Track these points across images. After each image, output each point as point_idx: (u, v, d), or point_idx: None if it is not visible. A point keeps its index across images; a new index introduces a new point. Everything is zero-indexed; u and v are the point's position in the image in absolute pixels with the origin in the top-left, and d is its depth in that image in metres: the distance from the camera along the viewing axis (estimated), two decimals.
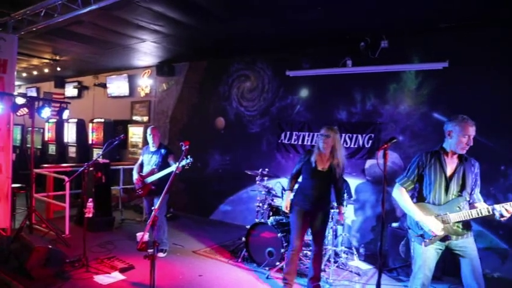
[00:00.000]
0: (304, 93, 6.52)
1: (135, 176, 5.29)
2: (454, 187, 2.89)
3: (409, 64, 5.44)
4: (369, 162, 5.81)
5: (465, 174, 2.89)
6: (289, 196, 4.05)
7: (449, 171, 2.92)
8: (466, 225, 2.89)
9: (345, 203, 4.92)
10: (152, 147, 5.26)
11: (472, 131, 2.82)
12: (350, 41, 5.58)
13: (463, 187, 2.89)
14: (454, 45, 5.13)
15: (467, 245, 2.86)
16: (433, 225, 2.80)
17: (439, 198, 2.91)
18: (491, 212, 2.71)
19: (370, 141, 5.76)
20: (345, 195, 4.97)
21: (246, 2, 4.57)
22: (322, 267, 4.70)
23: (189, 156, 4.48)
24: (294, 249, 3.95)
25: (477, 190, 2.96)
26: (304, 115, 6.49)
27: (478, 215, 2.76)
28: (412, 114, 5.48)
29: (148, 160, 5.24)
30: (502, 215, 2.66)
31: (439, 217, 2.85)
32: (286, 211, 4.07)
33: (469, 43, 5.03)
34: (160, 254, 5.11)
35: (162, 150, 5.18)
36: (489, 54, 4.90)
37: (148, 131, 5.26)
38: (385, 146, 2.90)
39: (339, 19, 5.01)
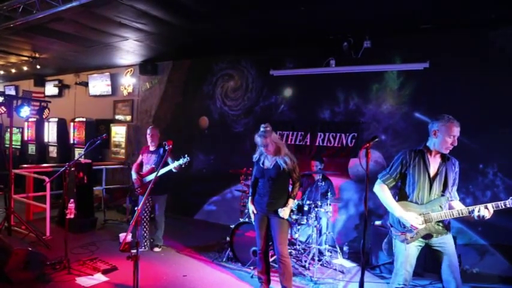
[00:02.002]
0: (288, 92, 6.54)
1: (134, 175, 5.33)
2: (437, 187, 2.94)
3: (391, 64, 5.53)
4: (353, 161, 5.87)
5: (447, 174, 2.94)
6: (251, 202, 4.06)
7: (432, 171, 2.95)
8: (447, 223, 2.96)
9: (328, 202, 4.97)
10: (152, 147, 5.33)
11: (456, 131, 2.85)
12: (333, 41, 5.63)
13: (445, 187, 2.94)
14: (434, 46, 5.24)
15: (446, 241, 2.92)
16: (414, 220, 2.85)
17: (422, 197, 2.94)
18: (471, 213, 2.78)
19: (354, 141, 5.83)
20: (329, 194, 5.03)
21: (229, 1, 4.56)
22: (306, 265, 4.74)
23: (186, 155, 4.79)
24: (259, 249, 3.99)
25: (454, 188, 3.02)
26: (288, 114, 6.52)
27: (459, 215, 2.82)
28: (394, 113, 5.57)
29: (148, 160, 5.31)
30: (483, 216, 2.71)
31: (421, 215, 2.89)
32: (253, 217, 4.05)
33: (449, 44, 5.14)
34: (156, 249, 5.34)
35: (161, 150, 5.24)
36: (468, 55, 5.02)
37: (148, 131, 5.35)
38: (368, 145, 2.95)
39: (322, 19, 5.04)
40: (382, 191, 3.07)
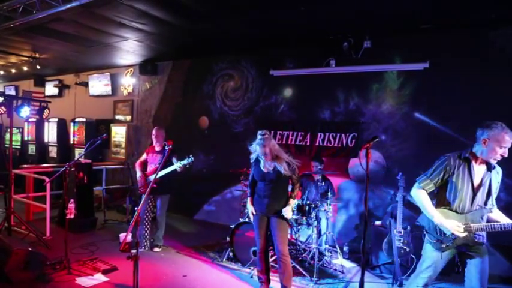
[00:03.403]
0: (288, 92, 6.54)
1: (139, 173, 5.36)
2: (480, 197, 2.81)
3: (391, 64, 5.53)
4: (353, 162, 5.87)
5: (491, 184, 2.81)
6: (250, 203, 4.08)
7: (476, 180, 2.80)
8: (485, 236, 2.84)
9: (328, 202, 4.97)
10: (157, 147, 5.36)
11: (509, 142, 2.67)
12: (333, 41, 5.63)
13: (488, 197, 2.82)
14: (434, 46, 5.23)
15: (480, 247, 2.82)
16: (455, 227, 2.73)
17: (463, 207, 2.81)
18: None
19: (354, 141, 5.82)
20: (329, 194, 5.03)
21: (229, 1, 4.56)
22: (306, 265, 4.74)
23: (190, 155, 4.86)
24: (259, 249, 4.00)
25: (494, 196, 2.89)
26: (288, 114, 6.52)
27: (501, 229, 2.68)
28: (394, 113, 5.57)
29: (153, 159, 5.34)
30: None
31: (462, 225, 2.76)
32: (252, 217, 4.07)
33: (449, 44, 5.14)
34: (156, 249, 5.36)
35: (166, 151, 5.23)
36: (468, 55, 5.02)
37: (153, 131, 5.39)
38: (367, 145, 2.93)
39: (322, 19, 5.04)
40: (421, 196, 2.90)
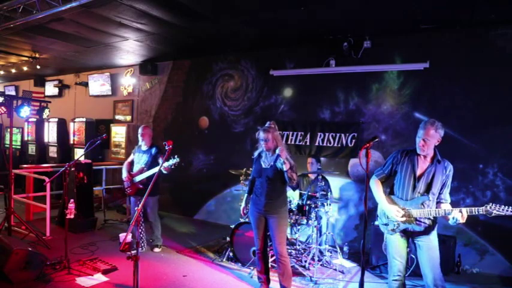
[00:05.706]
0: (288, 92, 6.54)
1: (125, 174, 5.27)
2: (421, 186, 3.09)
3: (391, 64, 5.52)
4: (352, 162, 5.87)
5: (434, 176, 3.05)
6: (246, 199, 4.12)
7: (419, 171, 3.11)
8: (430, 223, 3.08)
9: (328, 202, 4.97)
10: (144, 147, 5.27)
11: (421, 133, 3.01)
12: (333, 41, 5.64)
13: (429, 187, 3.06)
14: (434, 46, 5.24)
15: (426, 235, 3.08)
16: (394, 212, 3.06)
17: (406, 194, 3.13)
18: (447, 215, 2.92)
19: (353, 141, 5.82)
20: (329, 193, 5.03)
21: (229, 1, 4.56)
22: (306, 265, 4.74)
23: (176, 156, 4.59)
24: (258, 249, 4.00)
25: (446, 191, 3.12)
26: (288, 114, 6.52)
27: (437, 214, 2.99)
28: (394, 113, 5.57)
29: (139, 159, 5.25)
30: (457, 219, 2.84)
31: (403, 210, 3.08)
32: (243, 215, 4.09)
33: (449, 44, 5.14)
34: (156, 249, 5.33)
35: (153, 150, 5.17)
36: (468, 55, 5.02)
37: (140, 130, 5.28)
38: (367, 145, 2.97)
39: (322, 19, 5.04)
40: (374, 185, 3.31)
